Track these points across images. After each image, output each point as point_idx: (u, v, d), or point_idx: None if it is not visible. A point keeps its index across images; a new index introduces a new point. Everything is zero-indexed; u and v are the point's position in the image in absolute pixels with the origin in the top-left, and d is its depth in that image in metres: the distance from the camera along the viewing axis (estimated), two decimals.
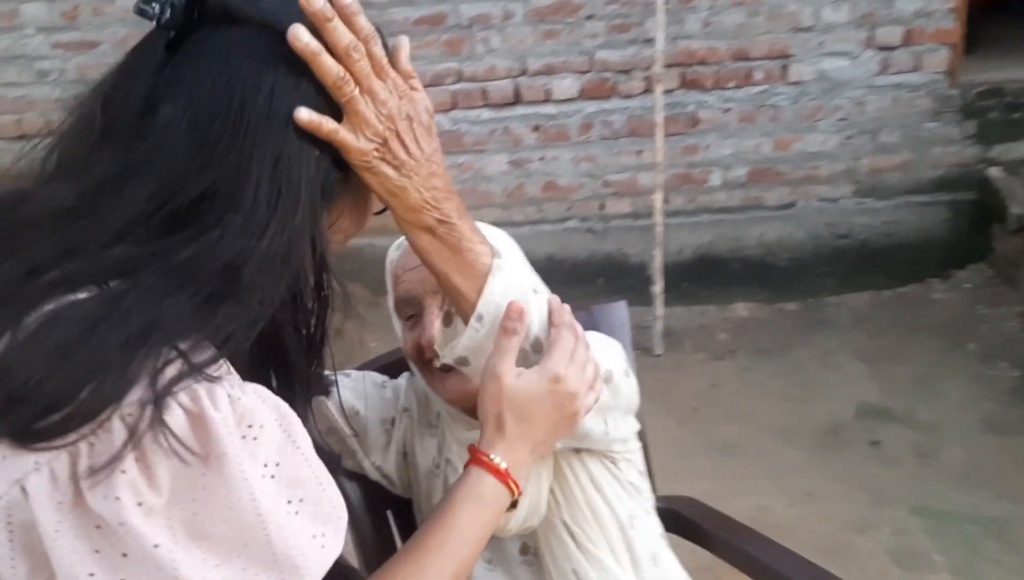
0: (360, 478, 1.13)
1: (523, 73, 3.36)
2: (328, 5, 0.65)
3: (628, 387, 0.96)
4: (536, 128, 3.43)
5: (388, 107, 0.69)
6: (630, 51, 3.31)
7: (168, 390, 0.56)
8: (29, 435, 0.54)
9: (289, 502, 0.61)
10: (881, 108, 3.39)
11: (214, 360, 0.59)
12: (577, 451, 1.00)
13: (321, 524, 0.63)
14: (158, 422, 0.54)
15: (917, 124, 3.41)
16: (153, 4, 0.64)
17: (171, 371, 0.56)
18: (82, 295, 0.58)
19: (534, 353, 0.82)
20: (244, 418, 0.59)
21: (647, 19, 3.19)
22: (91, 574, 0.55)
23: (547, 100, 3.39)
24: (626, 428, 1.00)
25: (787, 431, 2.70)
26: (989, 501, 2.32)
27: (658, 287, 3.16)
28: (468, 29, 3.32)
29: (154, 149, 0.62)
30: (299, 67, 0.65)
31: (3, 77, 3.38)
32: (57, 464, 0.55)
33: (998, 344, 3.05)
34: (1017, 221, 3.23)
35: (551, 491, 1.00)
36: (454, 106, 3.39)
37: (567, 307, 0.86)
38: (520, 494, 0.81)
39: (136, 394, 0.55)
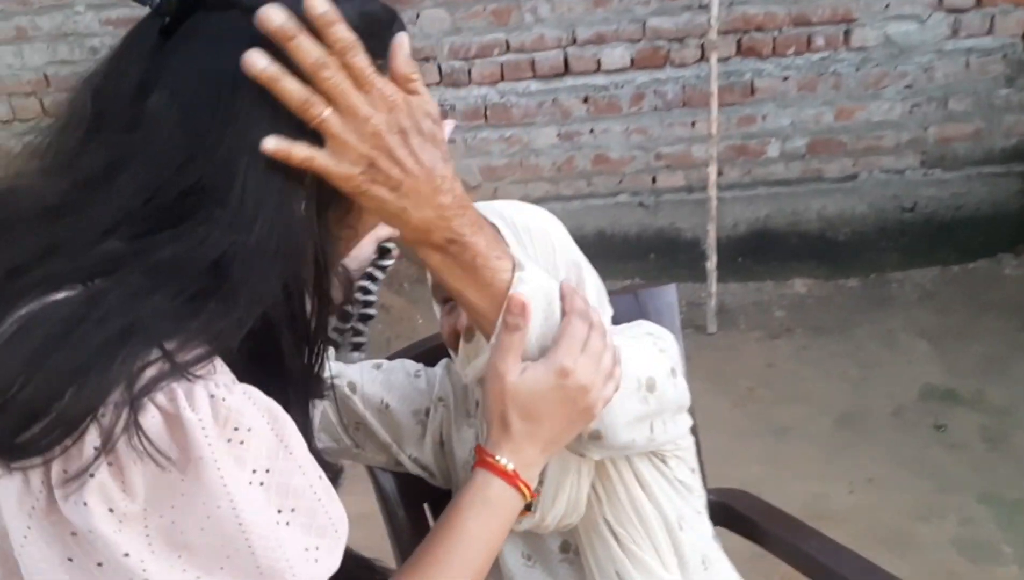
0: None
1: (572, 43, 3.27)
2: (290, 22, 0.57)
3: (676, 389, 0.90)
4: (586, 99, 3.34)
5: (373, 123, 0.61)
6: (684, 18, 3.19)
7: (145, 391, 0.53)
8: (10, 451, 0.52)
9: (279, 511, 0.58)
10: (951, 74, 3.22)
11: (200, 359, 0.56)
12: None
13: (315, 537, 0.60)
14: (132, 424, 0.52)
15: (989, 91, 3.24)
16: None
17: (151, 371, 0.53)
18: (63, 295, 0.56)
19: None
20: (229, 420, 0.55)
21: None
22: None
23: (597, 70, 3.29)
24: (676, 429, 0.94)
25: (846, 414, 2.60)
26: None
27: (712, 263, 3.07)
28: None
29: (142, 141, 0.59)
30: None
31: (55, 55, 3.41)
32: (30, 468, 0.53)
33: None
34: None
35: (593, 487, 0.94)
36: (501, 78, 3.32)
37: (580, 293, 0.79)
38: (533, 496, 0.76)
39: (114, 397, 0.52)
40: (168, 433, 0.53)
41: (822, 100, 3.29)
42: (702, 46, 3.19)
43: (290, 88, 0.58)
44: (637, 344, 0.89)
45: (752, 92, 3.28)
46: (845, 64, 3.23)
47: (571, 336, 0.75)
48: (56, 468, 0.52)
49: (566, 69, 3.30)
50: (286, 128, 0.60)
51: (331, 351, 0.85)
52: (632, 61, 3.27)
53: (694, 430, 1.04)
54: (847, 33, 3.19)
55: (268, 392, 0.60)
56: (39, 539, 0.53)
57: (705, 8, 2.95)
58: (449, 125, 0.79)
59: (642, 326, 0.98)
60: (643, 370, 0.84)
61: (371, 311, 1.01)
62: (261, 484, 0.57)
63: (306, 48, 0.58)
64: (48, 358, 0.52)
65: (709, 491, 1.13)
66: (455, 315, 0.94)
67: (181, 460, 0.53)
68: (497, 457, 0.74)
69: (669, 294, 1.22)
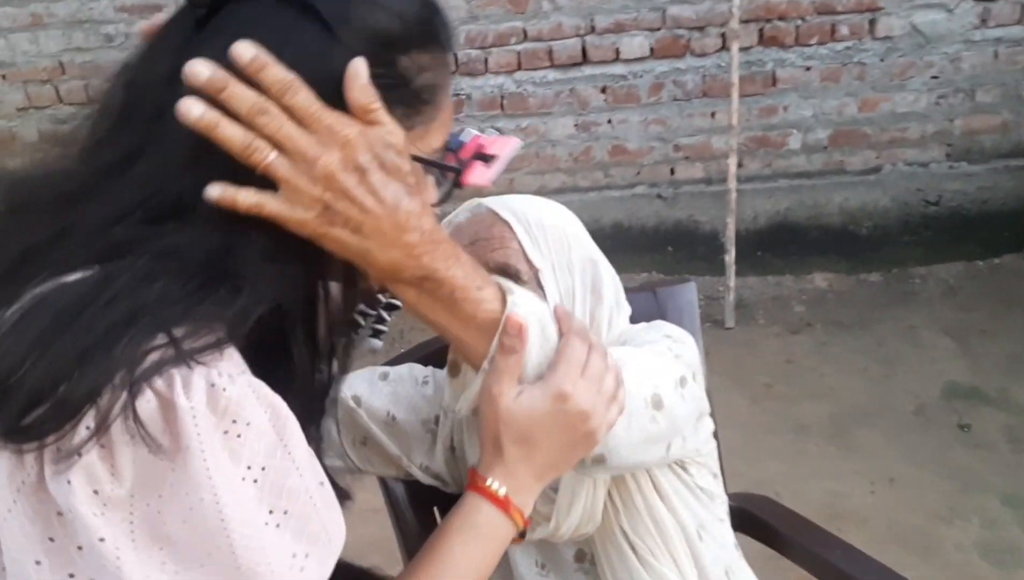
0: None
1: (591, 31, 3.21)
2: (218, 73, 0.56)
3: (686, 400, 0.85)
4: (604, 89, 3.28)
5: (323, 164, 0.57)
6: (705, 6, 3.13)
7: (146, 375, 0.52)
8: (15, 434, 0.51)
9: (271, 512, 0.56)
10: (979, 64, 3.15)
11: (207, 347, 0.55)
12: None
13: (305, 543, 0.57)
14: (128, 407, 0.51)
15: (1018, 82, 3.16)
16: None
17: (154, 356, 0.53)
18: (73, 277, 0.56)
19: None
20: (228, 411, 0.54)
21: None
22: (38, 562, 0.53)
23: (616, 59, 3.24)
24: (696, 440, 0.89)
25: (867, 411, 2.55)
26: None
27: (730, 256, 3.02)
28: None
29: (162, 131, 0.59)
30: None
31: (70, 42, 3.39)
32: (26, 443, 0.52)
33: None
34: None
35: (609, 495, 0.91)
36: (518, 67, 3.27)
37: (573, 316, 0.76)
38: (526, 524, 0.72)
39: (115, 380, 0.52)
40: (162, 419, 0.52)
41: (845, 91, 3.22)
42: (723, 35, 3.13)
43: (229, 134, 0.56)
44: (642, 356, 0.84)
45: (774, 82, 3.22)
46: (870, 54, 3.16)
47: (569, 358, 0.71)
48: (50, 446, 0.52)
49: (584, 58, 3.24)
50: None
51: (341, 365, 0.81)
52: (651, 50, 3.21)
53: (715, 433, 1.00)
54: (872, 22, 3.12)
55: (274, 390, 0.58)
56: (23, 515, 0.52)
57: None
58: (513, 144, 0.77)
59: (660, 327, 0.94)
60: (648, 387, 0.79)
61: (399, 302, 0.98)
62: (255, 481, 0.55)
63: (239, 96, 0.56)
64: (55, 341, 0.51)
65: (730, 496, 1.10)
66: None
67: (172, 448, 0.52)
68: (489, 481, 0.71)
69: (689, 292, 1.18)
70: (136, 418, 0.51)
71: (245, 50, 0.56)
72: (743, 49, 3.01)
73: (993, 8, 3.07)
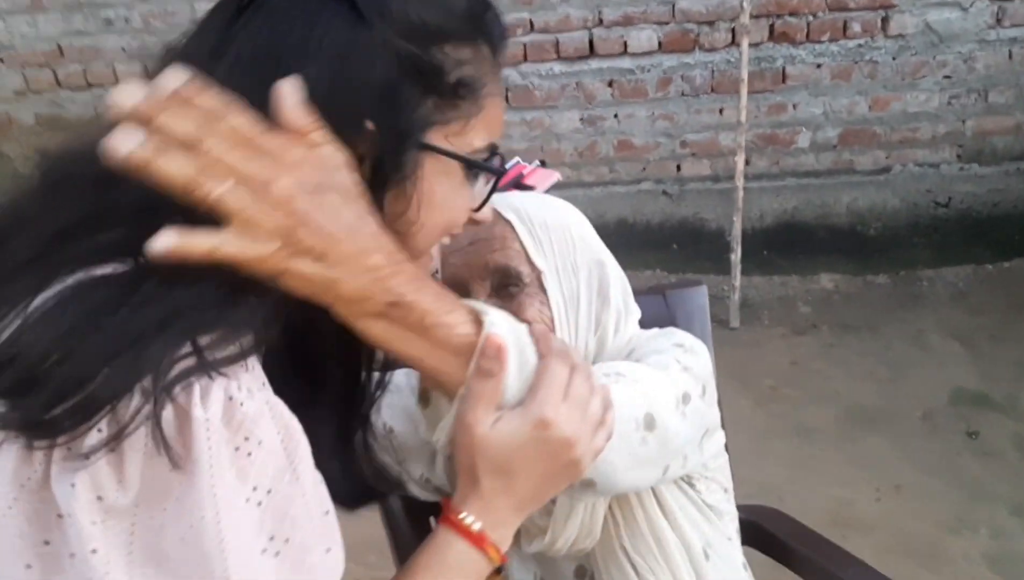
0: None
1: (599, 24, 3.16)
2: (144, 102, 0.51)
3: (693, 417, 0.80)
4: (611, 83, 3.23)
5: (278, 187, 0.53)
6: (715, 0, 3.08)
7: (169, 383, 0.50)
8: (35, 428, 0.49)
9: (271, 539, 0.53)
10: (993, 65, 3.10)
11: (232, 358, 0.53)
12: None
13: (303, 575, 0.55)
14: (149, 416, 0.49)
15: None
16: None
17: (181, 364, 0.51)
18: (107, 270, 0.54)
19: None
20: (242, 427, 0.52)
21: None
22: (28, 566, 0.51)
23: (623, 53, 3.18)
24: (701, 457, 0.84)
25: (873, 416, 2.51)
26: None
27: (736, 255, 2.97)
28: None
29: None
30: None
31: (70, 26, 3.34)
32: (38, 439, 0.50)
33: None
34: None
35: (610, 509, 0.86)
36: (524, 59, 3.21)
37: (553, 334, 0.71)
38: (503, 560, 0.66)
39: (140, 385, 0.50)
40: (175, 428, 0.50)
41: (856, 89, 3.17)
42: (733, 30, 3.08)
43: (168, 169, 0.50)
44: (641, 371, 0.79)
45: (783, 79, 3.17)
46: (882, 52, 3.11)
47: (550, 381, 0.65)
48: (61, 446, 0.50)
49: (591, 51, 3.19)
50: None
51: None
52: (660, 44, 3.16)
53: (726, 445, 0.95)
54: (885, 20, 3.07)
55: (303, 401, 0.57)
56: (21, 515, 0.50)
57: None
58: (552, 178, 0.73)
59: (671, 335, 0.89)
60: (640, 406, 0.74)
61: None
62: (259, 504, 0.53)
63: (171, 126, 0.51)
64: (85, 337, 0.50)
65: (737, 508, 1.05)
66: None
67: (181, 459, 0.50)
68: (463, 515, 0.65)
69: (700, 296, 1.13)
70: (159, 429, 0.49)
71: (172, 79, 0.51)
72: (753, 45, 2.96)
73: (1009, 8, 3.02)
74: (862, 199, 3.28)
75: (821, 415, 2.52)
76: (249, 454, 0.52)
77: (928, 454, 2.34)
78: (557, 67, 3.22)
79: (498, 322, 0.65)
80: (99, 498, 0.49)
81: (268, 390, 0.56)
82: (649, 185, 3.36)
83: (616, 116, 3.27)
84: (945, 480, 2.24)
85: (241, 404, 0.52)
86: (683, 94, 3.22)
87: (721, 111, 3.21)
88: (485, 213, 0.71)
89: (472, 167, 0.66)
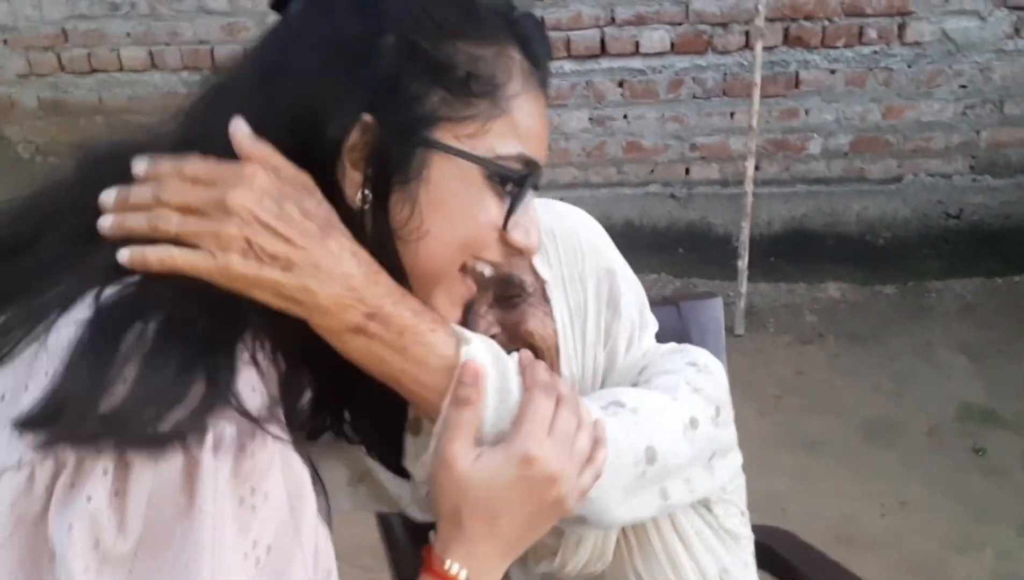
0: None
1: (611, 22, 3.12)
2: (117, 196, 0.56)
3: (701, 443, 0.76)
4: (621, 83, 3.19)
5: (231, 197, 0.54)
6: (729, 2, 3.04)
7: (188, 425, 0.49)
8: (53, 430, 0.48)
9: None
10: (1009, 76, 3.06)
11: (266, 408, 0.53)
12: None
13: None
14: (153, 455, 0.49)
15: None
16: None
17: (201, 403, 0.50)
18: (124, 287, 0.54)
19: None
20: (250, 478, 0.51)
21: None
22: None
23: (635, 53, 3.14)
24: (712, 481, 0.80)
25: (879, 429, 2.48)
26: None
27: (743, 262, 2.93)
28: None
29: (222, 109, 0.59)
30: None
31: (75, 9, 3.30)
32: (40, 469, 0.49)
33: None
34: None
35: (623, 532, 0.82)
36: None
37: (541, 364, 0.67)
38: None
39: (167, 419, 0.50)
40: (184, 475, 0.49)
41: (870, 96, 3.13)
42: (747, 33, 3.04)
43: (130, 223, 0.55)
44: (647, 398, 0.75)
45: (796, 84, 3.13)
46: (897, 59, 3.07)
47: (534, 415, 0.62)
48: (64, 477, 0.48)
49: (602, 50, 3.15)
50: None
51: None
52: (672, 45, 3.12)
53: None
54: (902, 27, 3.03)
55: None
56: (15, 551, 0.49)
57: None
58: None
59: (686, 353, 0.85)
60: (640, 441, 0.70)
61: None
62: (256, 561, 0.51)
63: (135, 195, 0.56)
64: (122, 370, 0.49)
65: None
66: None
67: (185, 507, 0.49)
68: (447, 564, 0.62)
69: (715, 309, 1.09)
70: (158, 469, 0.49)
71: (139, 166, 0.56)
72: (767, 48, 2.92)
73: None
74: (872, 208, 3.24)
75: (826, 427, 2.49)
76: (253, 507, 0.50)
77: (934, 470, 2.30)
78: (567, 65, 3.17)
79: (477, 348, 0.62)
80: (97, 543, 0.47)
81: (284, 441, 0.54)
82: (657, 188, 3.33)
83: (626, 117, 3.23)
84: (951, 497, 2.20)
85: (252, 454, 0.50)
86: (694, 96, 3.18)
87: (732, 115, 3.17)
88: (525, 237, 0.66)
89: (484, 167, 0.61)
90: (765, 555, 1.10)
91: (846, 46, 3.07)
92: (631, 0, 3.07)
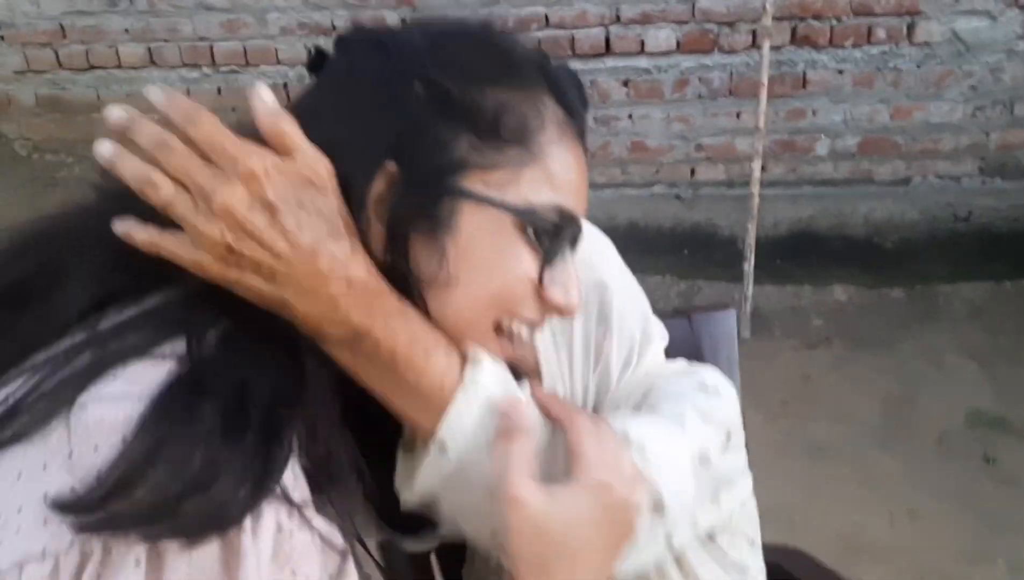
0: None
1: (616, 21, 3.07)
2: (124, 114, 0.52)
3: (706, 482, 0.71)
4: (626, 82, 3.15)
5: (220, 198, 0.50)
6: (736, 1, 2.99)
7: (229, 518, 0.47)
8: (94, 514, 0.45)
9: None
10: (1020, 76, 3.02)
11: (306, 490, 0.51)
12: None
13: None
14: (189, 544, 0.46)
15: None
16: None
17: (253, 496, 0.48)
18: (165, 359, 0.50)
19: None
20: (289, 561, 0.49)
21: None
22: None
23: (640, 52, 3.10)
24: (716, 515, 0.74)
25: (887, 436, 2.43)
26: None
27: (749, 264, 2.88)
28: None
29: None
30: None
31: (72, 5, 3.26)
32: (65, 560, 0.45)
33: None
34: None
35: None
36: None
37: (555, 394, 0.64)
38: None
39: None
40: (222, 563, 0.46)
41: (878, 97, 3.08)
42: (754, 32, 3.00)
43: (127, 169, 0.52)
44: (646, 433, 0.67)
45: (804, 84, 3.09)
46: (906, 60, 3.02)
47: (588, 440, 0.58)
48: (90, 569, 0.45)
49: (607, 49, 3.11)
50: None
51: None
52: (678, 44, 3.08)
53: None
54: (911, 26, 2.98)
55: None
56: None
57: None
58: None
59: (695, 374, 0.79)
60: (650, 492, 0.64)
61: None
62: None
63: (143, 133, 0.52)
64: (160, 452, 0.46)
65: None
66: None
67: None
68: None
69: (728, 321, 1.04)
70: (193, 554, 0.46)
71: (154, 93, 0.53)
72: (774, 48, 2.88)
73: None
74: (880, 210, 3.20)
75: (833, 433, 2.44)
76: None
77: (943, 479, 2.26)
78: (572, 64, 3.12)
79: (487, 380, 0.58)
80: None
81: (318, 515, 0.51)
82: (662, 188, 3.28)
83: (630, 116, 3.19)
84: (961, 507, 2.16)
85: (292, 534, 0.48)
86: (700, 96, 3.14)
87: (738, 115, 3.13)
88: (564, 296, 0.62)
89: (516, 216, 0.57)
90: (776, 577, 1.06)
91: (854, 46, 3.02)
92: None
